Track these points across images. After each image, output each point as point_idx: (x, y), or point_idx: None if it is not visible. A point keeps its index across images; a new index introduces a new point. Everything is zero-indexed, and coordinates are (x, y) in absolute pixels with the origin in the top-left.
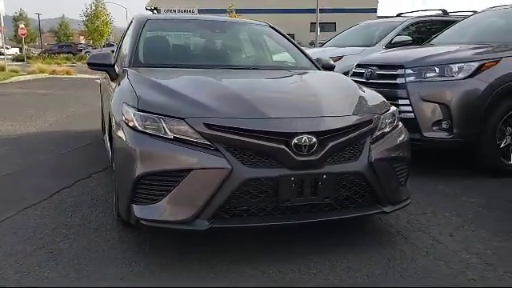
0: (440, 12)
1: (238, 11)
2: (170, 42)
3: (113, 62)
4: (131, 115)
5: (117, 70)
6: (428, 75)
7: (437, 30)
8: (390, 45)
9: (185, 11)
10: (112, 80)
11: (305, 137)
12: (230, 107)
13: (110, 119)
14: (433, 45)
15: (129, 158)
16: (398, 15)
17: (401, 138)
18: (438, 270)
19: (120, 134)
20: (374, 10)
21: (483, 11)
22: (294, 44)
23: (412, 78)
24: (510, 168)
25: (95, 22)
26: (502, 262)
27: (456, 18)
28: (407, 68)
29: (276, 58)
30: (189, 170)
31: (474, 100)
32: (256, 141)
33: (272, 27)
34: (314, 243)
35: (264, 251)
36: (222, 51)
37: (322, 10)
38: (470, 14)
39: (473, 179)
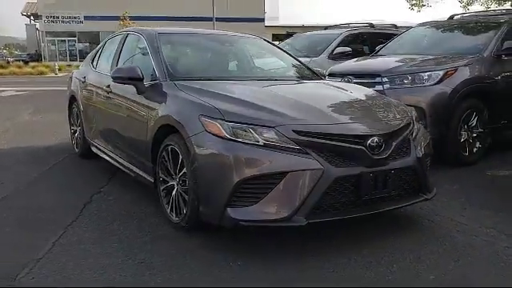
0: (368, 25)
1: (132, 18)
2: (191, 55)
3: (142, 76)
4: (218, 126)
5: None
6: (402, 82)
7: (368, 41)
8: (332, 55)
9: (69, 18)
10: (139, 93)
11: (376, 138)
12: (308, 115)
13: (156, 132)
14: (382, 55)
15: (222, 165)
16: (326, 28)
17: (427, 135)
18: (476, 242)
19: (202, 143)
20: (262, 20)
21: (417, 26)
22: (291, 56)
23: (388, 86)
24: (467, 159)
25: None
26: None
27: (382, 31)
28: (384, 76)
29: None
30: (285, 173)
31: (442, 102)
32: (339, 143)
33: (266, 40)
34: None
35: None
36: (245, 63)
37: (217, 19)
38: (390, 26)
39: (442, 170)
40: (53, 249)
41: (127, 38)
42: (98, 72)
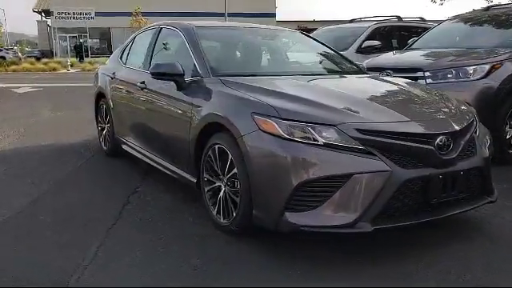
0: (395, 18)
1: (142, 14)
2: (230, 50)
3: (182, 72)
4: (273, 124)
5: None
6: (446, 77)
7: (396, 35)
8: (361, 49)
9: (80, 14)
10: (179, 89)
11: (444, 137)
12: (369, 112)
13: (201, 130)
14: (417, 49)
15: (279, 166)
16: (351, 21)
17: (488, 134)
18: None
19: (257, 143)
20: (274, 15)
21: (450, 19)
22: (332, 49)
23: (430, 80)
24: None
25: None
26: None
27: (410, 24)
28: (426, 71)
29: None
30: (349, 175)
31: (488, 97)
32: (406, 143)
33: (303, 33)
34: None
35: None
36: (286, 58)
37: (228, 14)
38: (418, 19)
39: None
40: (98, 254)
41: (161, 33)
42: (129, 68)
